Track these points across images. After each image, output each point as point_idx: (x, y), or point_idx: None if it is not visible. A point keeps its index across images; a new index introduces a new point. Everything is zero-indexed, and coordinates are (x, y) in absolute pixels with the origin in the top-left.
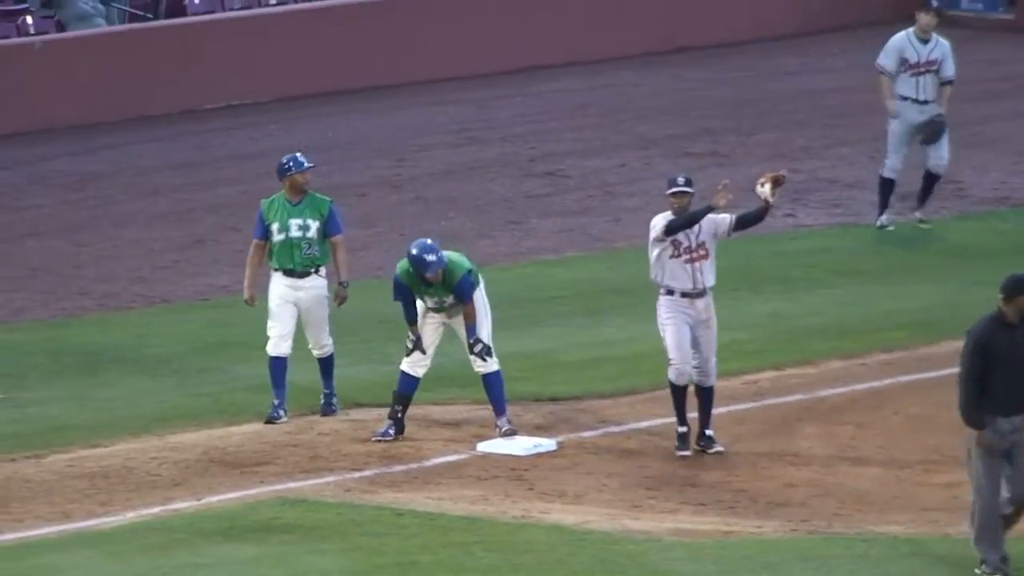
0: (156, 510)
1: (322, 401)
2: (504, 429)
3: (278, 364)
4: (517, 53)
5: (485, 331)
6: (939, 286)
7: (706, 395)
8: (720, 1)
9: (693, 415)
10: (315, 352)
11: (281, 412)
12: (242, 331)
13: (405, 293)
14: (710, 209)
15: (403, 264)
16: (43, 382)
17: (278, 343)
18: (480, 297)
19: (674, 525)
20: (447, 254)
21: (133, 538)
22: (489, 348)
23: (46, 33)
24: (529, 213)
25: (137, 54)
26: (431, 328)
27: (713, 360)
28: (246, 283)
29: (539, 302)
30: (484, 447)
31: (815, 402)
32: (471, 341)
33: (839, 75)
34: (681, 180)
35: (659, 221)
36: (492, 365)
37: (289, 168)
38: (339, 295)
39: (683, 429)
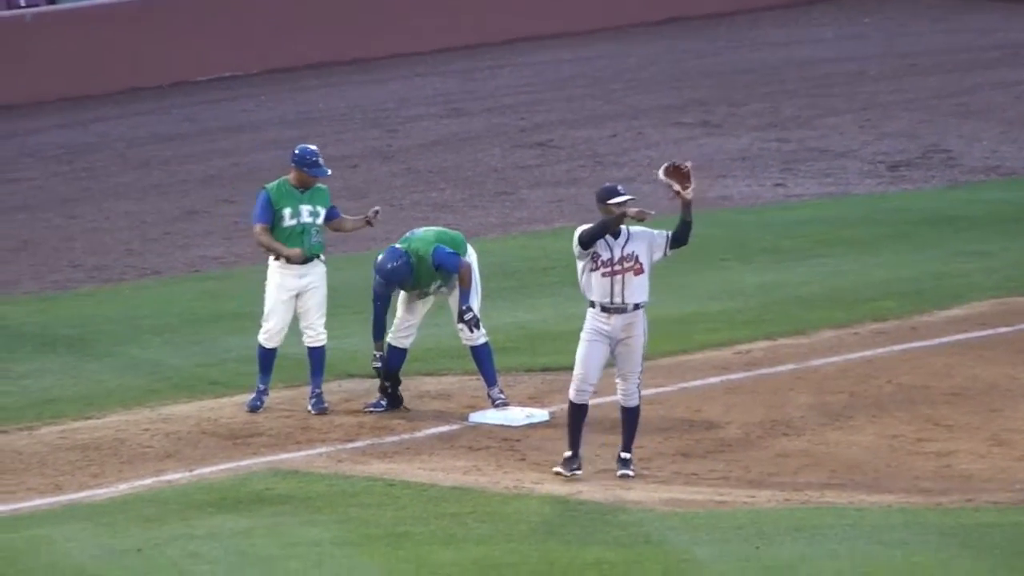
0: (148, 482)
1: (313, 400)
2: (496, 400)
3: (269, 354)
4: (502, 25)
5: (476, 303)
6: (930, 255)
7: (628, 415)
8: None
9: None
10: (309, 342)
11: (264, 399)
12: (234, 303)
13: (385, 297)
14: (623, 217)
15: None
16: (35, 354)
17: (273, 336)
18: (472, 264)
19: (667, 495)
20: (414, 239)
21: (125, 510)
22: (478, 320)
23: (36, 5)
24: (519, 184)
25: (127, 26)
26: (421, 301)
27: (635, 382)
28: (283, 250)
29: (530, 273)
30: (476, 418)
31: (807, 372)
32: (463, 308)
33: (827, 45)
34: (622, 188)
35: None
36: (479, 338)
37: (307, 166)
38: (371, 216)
39: (568, 454)
